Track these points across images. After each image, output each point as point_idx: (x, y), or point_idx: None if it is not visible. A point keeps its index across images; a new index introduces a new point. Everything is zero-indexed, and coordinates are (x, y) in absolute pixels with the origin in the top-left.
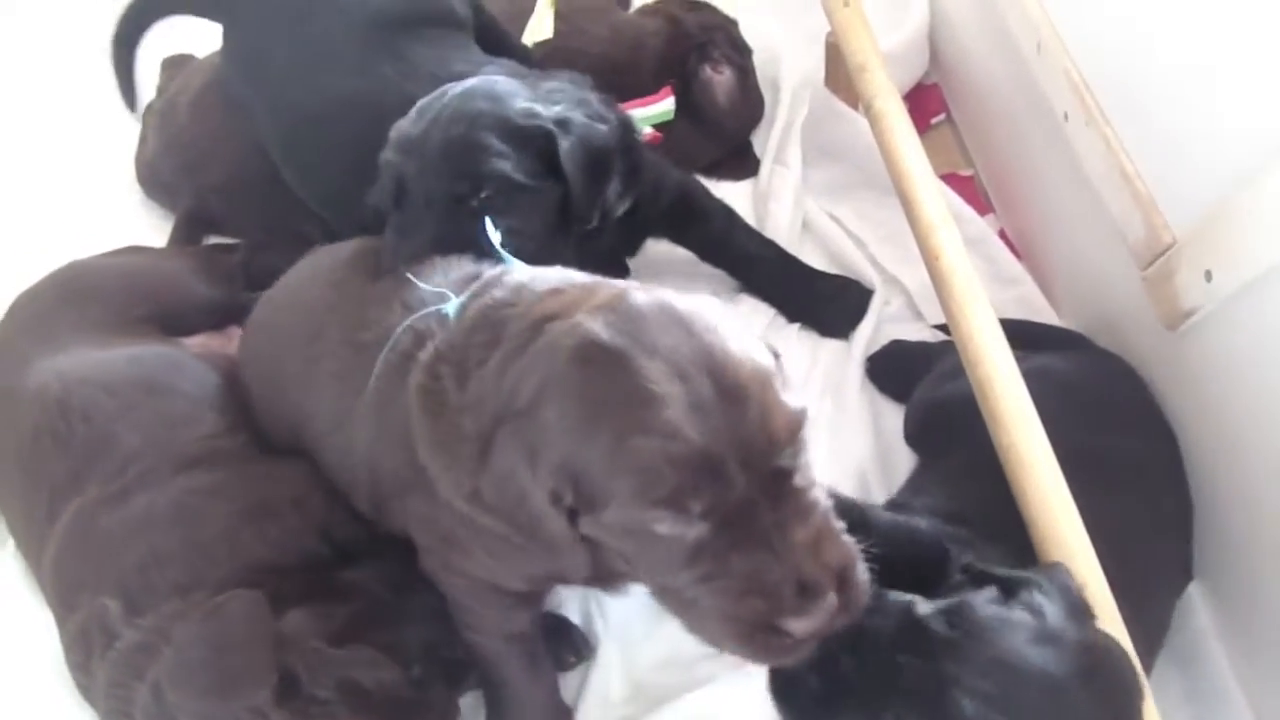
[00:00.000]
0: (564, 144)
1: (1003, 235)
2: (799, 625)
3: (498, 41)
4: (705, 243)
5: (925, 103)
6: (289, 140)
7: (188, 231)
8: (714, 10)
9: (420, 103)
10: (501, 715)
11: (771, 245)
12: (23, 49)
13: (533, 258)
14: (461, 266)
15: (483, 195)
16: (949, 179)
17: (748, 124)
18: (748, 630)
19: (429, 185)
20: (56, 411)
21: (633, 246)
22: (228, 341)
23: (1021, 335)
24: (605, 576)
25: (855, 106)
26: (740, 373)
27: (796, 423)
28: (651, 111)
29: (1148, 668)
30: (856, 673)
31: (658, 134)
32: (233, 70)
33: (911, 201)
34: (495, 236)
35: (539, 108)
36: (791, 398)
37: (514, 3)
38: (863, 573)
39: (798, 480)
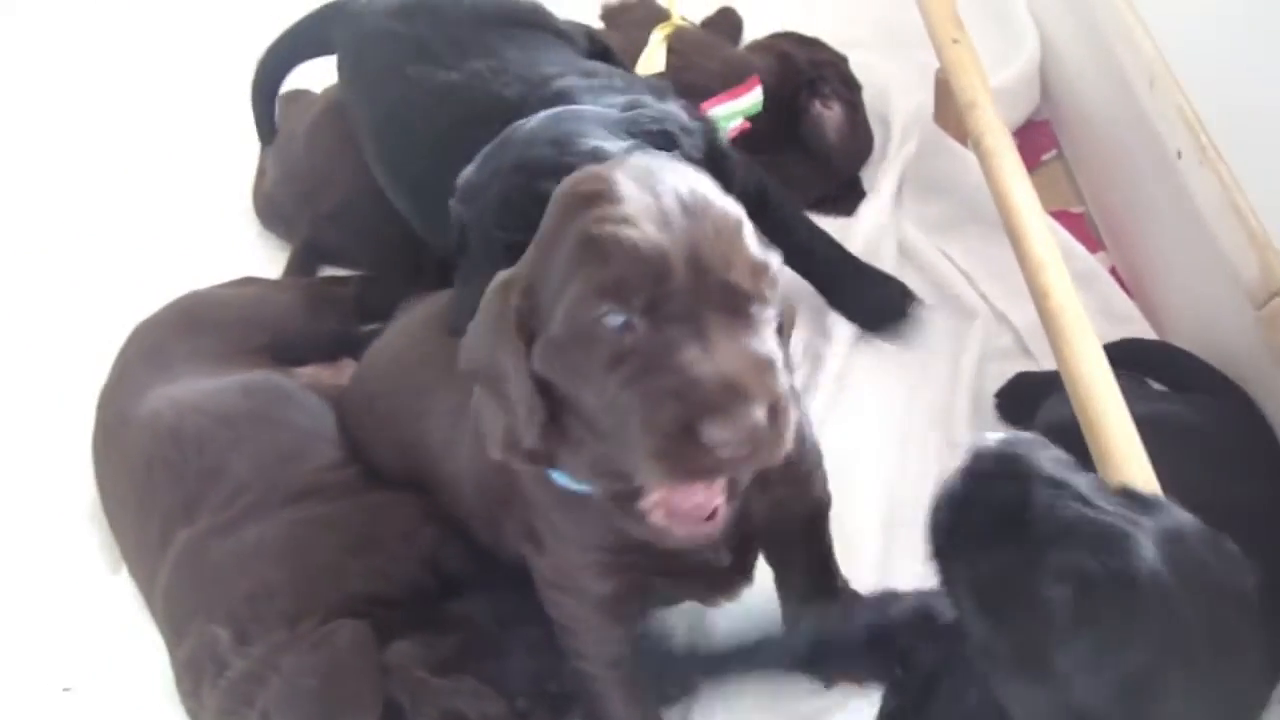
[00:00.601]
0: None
1: (1114, 273)
2: (719, 432)
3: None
4: (772, 232)
5: (1036, 139)
6: (379, 133)
7: (303, 263)
8: (824, 47)
9: (485, 149)
10: None
11: (831, 242)
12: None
13: None
14: None
15: None
16: (1059, 216)
17: (856, 160)
18: (664, 440)
19: (488, 234)
20: (169, 440)
21: None
22: (338, 373)
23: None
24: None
25: (965, 143)
26: (711, 203)
27: (761, 266)
28: (740, 105)
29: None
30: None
31: (746, 123)
32: (340, 80)
33: (1020, 239)
34: None
35: (609, 145)
36: (760, 251)
37: (629, 38)
38: (794, 418)
39: (754, 310)
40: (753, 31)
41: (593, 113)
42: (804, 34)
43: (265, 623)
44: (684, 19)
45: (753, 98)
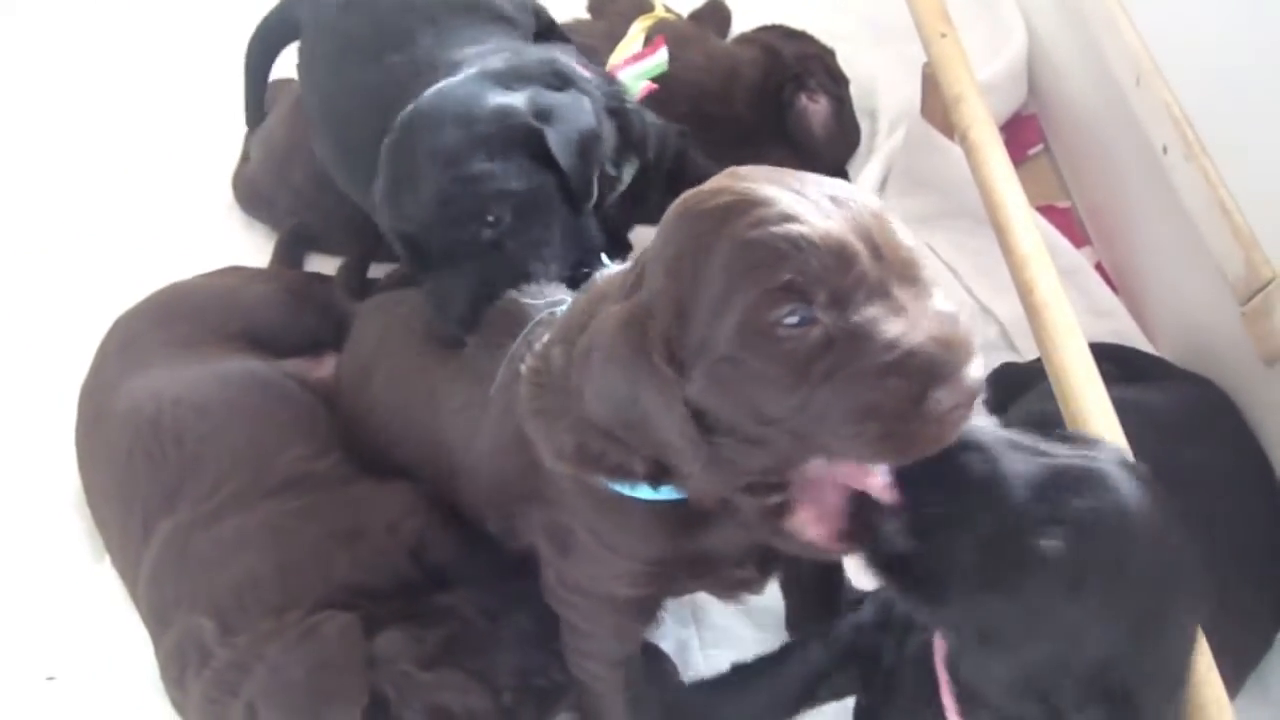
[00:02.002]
0: (551, 135)
1: (1099, 268)
2: (951, 395)
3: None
4: None
5: (1023, 134)
6: (320, 125)
7: (289, 251)
8: (811, 40)
9: (383, 154)
10: None
11: None
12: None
13: (563, 256)
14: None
15: (492, 220)
16: (1046, 210)
17: (843, 153)
18: (889, 420)
19: (439, 240)
20: (149, 432)
21: (642, 214)
22: (320, 365)
23: (1119, 361)
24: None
25: (951, 136)
26: (852, 191)
27: (918, 252)
28: (644, 67)
29: (1235, 686)
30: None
31: (652, 84)
32: (297, 68)
33: (1005, 233)
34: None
35: (511, 101)
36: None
37: (615, 29)
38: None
39: (926, 277)
40: (741, 24)
41: (474, 75)
42: (791, 27)
43: (250, 613)
44: (669, 11)
45: (657, 58)
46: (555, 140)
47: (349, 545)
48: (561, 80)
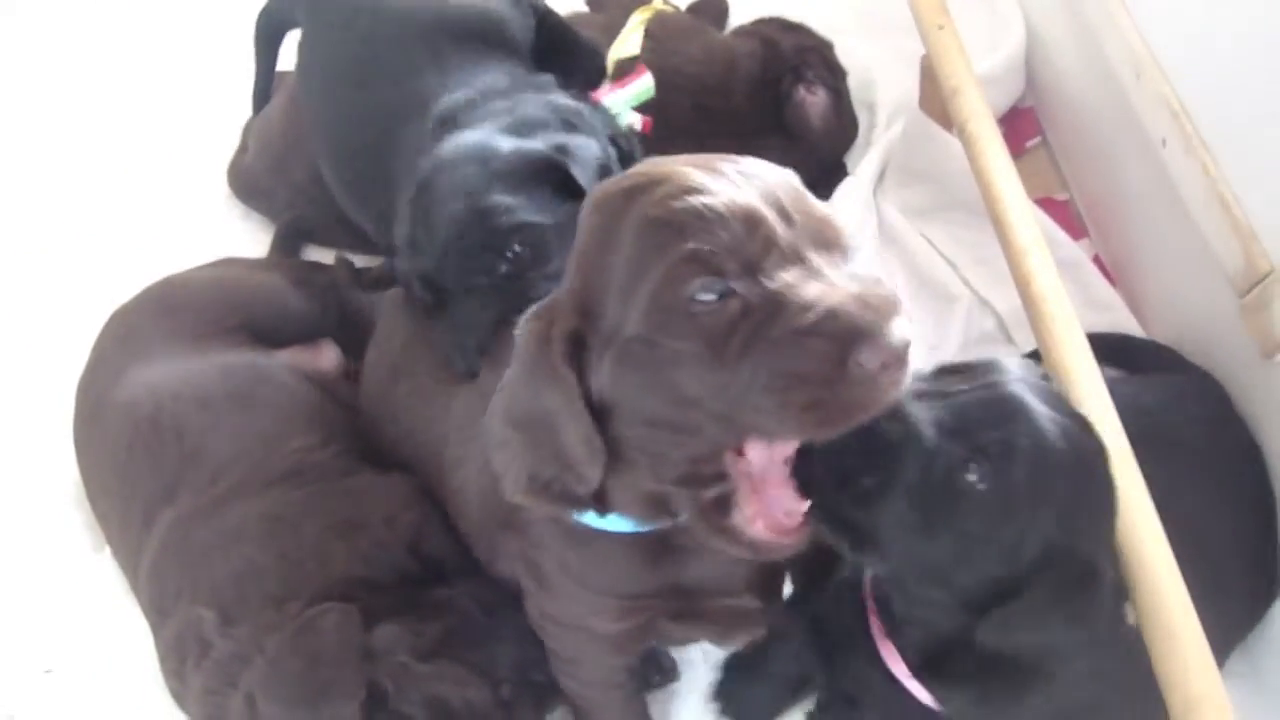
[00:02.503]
0: (574, 166)
1: (1097, 260)
2: (875, 354)
3: (567, 47)
4: None
5: (1021, 126)
6: (316, 133)
7: (286, 243)
8: (809, 32)
9: (403, 200)
10: None
11: None
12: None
13: None
14: None
15: (513, 254)
16: (1044, 203)
17: (841, 145)
18: (815, 388)
19: (459, 273)
20: (149, 424)
21: None
22: (318, 354)
23: (1115, 350)
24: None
25: (949, 129)
26: (761, 164)
27: (835, 218)
28: (632, 92)
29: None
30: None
31: (648, 120)
32: (295, 67)
33: (1003, 225)
34: None
35: (525, 144)
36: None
37: (614, 21)
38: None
39: (846, 243)
40: (739, 17)
41: (486, 129)
42: (789, 20)
43: (250, 604)
44: (667, 3)
45: (643, 84)
46: (579, 170)
47: (348, 537)
48: (567, 123)
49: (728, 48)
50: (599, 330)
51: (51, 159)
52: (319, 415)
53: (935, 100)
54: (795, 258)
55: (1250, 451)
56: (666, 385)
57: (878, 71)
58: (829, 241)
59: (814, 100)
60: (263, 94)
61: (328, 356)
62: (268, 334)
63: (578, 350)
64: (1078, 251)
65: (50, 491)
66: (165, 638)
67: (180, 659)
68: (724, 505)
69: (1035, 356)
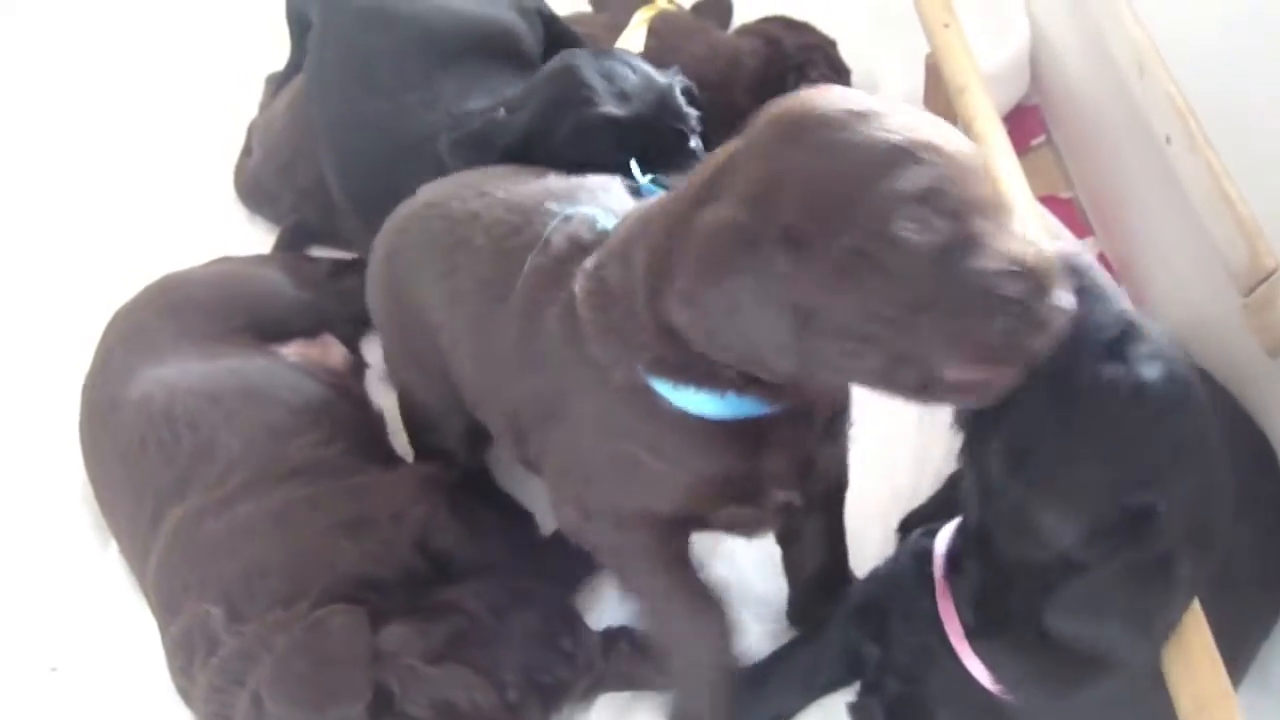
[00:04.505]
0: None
1: (1102, 258)
2: (1052, 308)
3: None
4: None
5: (1025, 124)
6: (326, 138)
7: (291, 245)
8: (813, 31)
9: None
10: (679, 682)
11: None
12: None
13: None
14: (610, 193)
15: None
16: (1049, 201)
17: None
18: (1008, 320)
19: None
20: (162, 420)
21: None
22: (324, 351)
23: None
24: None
25: (955, 127)
26: (935, 125)
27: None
28: None
29: (1236, 669)
30: None
31: None
32: (305, 68)
33: None
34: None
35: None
36: None
37: (617, 21)
38: None
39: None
40: (743, 15)
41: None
42: (793, 18)
43: (258, 601)
44: (670, 2)
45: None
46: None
47: (356, 535)
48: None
49: (731, 46)
50: (814, 232)
51: (54, 161)
52: (327, 412)
53: (940, 98)
54: (992, 213)
55: (1261, 449)
56: (871, 296)
57: (882, 70)
58: (1007, 206)
59: None
60: (294, 68)
61: (335, 353)
62: (270, 328)
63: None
64: (1082, 250)
65: (55, 489)
66: (173, 635)
67: (188, 656)
68: (932, 383)
69: None
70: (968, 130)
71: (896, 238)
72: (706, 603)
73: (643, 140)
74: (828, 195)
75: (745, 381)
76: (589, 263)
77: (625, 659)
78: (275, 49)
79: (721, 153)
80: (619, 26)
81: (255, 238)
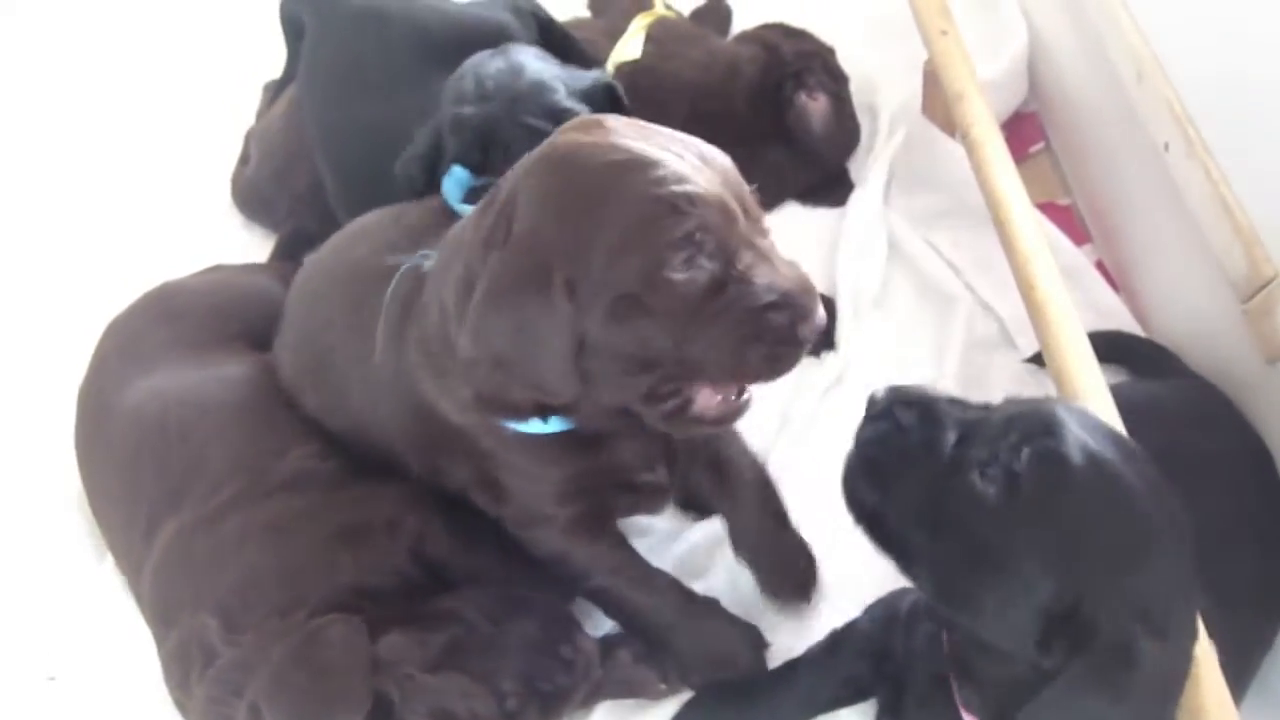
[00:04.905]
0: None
1: (1100, 266)
2: (809, 328)
3: (571, 58)
4: None
5: (1024, 131)
6: (319, 142)
7: (288, 252)
8: (811, 38)
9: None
10: (675, 656)
11: None
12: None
13: None
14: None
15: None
16: (1047, 208)
17: (843, 151)
18: (772, 345)
19: (516, 125)
20: (155, 431)
21: None
22: None
23: (1117, 347)
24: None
25: (952, 134)
26: (714, 151)
27: (754, 195)
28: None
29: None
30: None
31: None
32: (299, 71)
33: (1007, 231)
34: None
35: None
36: None
37: (615, 26)
38: None
39: (767, 224)
40: (741, 22)
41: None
42: (791, 25)
43: (255, 612)
44: (669, 8)
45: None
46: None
47: (351, 545)
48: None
49: (729, 53)
50: (588, 278)
51: (51, 168)
52: (320, 424)
53: (938, 106)
54: (750, 243)
55: (1260, 456)
56: (645, 334)
57: (880, 77)
58: (764, 229)
59: (815, 106)
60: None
61: None
62: (263, 335)
63: (572, 290)
64: (1080, 257)
65: (52, 498)
66: (169, 647)
67: (184, 669)
68: (683, 407)
69: (1038, 361)
70: (966, 137)
71: (662, 282)
72: (653, 588)
73: (499, 138)
74: (598, 245)
75: (539, 409)
76: (418, 308)
77: (624, 666)
78: (273, 57)
79: (506, 186)
80: (617, 32)
81: (252, 245)
